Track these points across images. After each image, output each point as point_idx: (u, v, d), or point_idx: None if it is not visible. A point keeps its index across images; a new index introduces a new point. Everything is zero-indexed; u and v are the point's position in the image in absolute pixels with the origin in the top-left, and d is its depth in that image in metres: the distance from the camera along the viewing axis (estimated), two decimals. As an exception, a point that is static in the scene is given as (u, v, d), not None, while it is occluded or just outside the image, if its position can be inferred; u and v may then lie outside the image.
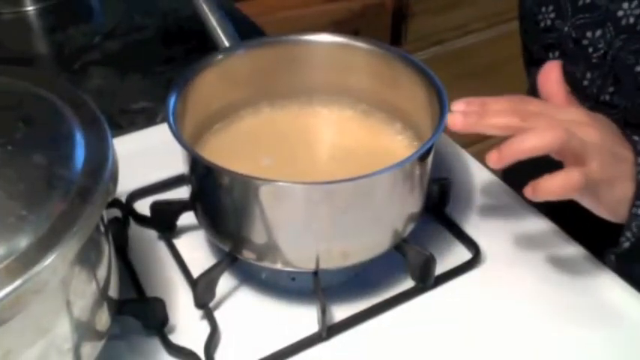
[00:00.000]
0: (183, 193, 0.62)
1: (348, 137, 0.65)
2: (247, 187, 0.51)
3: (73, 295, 0.43)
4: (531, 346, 0.55)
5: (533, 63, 0.73)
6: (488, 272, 0.61)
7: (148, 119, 0.79)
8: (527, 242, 0.64)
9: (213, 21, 0.64)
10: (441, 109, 0.55)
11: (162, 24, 0.98)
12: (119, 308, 0.52)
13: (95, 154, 0.45)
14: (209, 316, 0.57)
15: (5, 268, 0.37)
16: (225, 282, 0.59)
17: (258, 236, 0.54)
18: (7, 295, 0.36)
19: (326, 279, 0.57)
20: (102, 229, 0.48)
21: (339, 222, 0.53)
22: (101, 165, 0.44)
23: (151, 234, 0.65)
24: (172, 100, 0.56)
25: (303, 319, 0.57)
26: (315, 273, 0.56)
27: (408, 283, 0.60)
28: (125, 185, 0.64)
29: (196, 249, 0.63)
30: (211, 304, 0.58)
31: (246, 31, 0.72)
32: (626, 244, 0.56)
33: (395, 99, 0.64)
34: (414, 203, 0.57)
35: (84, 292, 0.45)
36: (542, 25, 0.69)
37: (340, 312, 0.58)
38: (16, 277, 0.37)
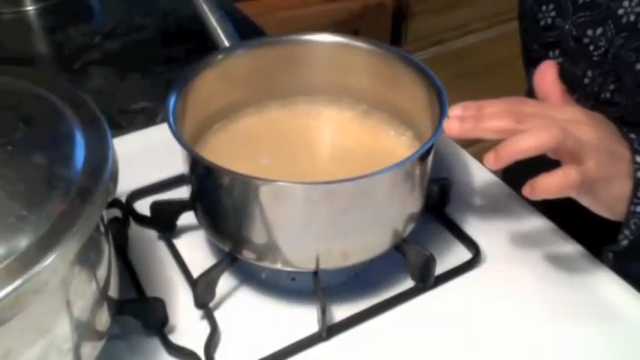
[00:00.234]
0: (183, 193, 0.62)
1: (348, 137, 0.65)
2: (247, 187, 0.51)
3: (73, 295, 0.43)
4: (531, 345, 0.55)
5: (532, 63, 0.73)
6: (488, 272, 0.61)
7: (147, 119, 0.79)
8: (527, 242, 0.64)
9: (213, 21, 0.64)
10: (441, 109, 0.56)
11: (162, 24, 0.98)
12: (119, 308, 0.52)
13: (95, 154, 0.45)
14: (209, 316, 0.57)
15: (5, 268, 0.37)
16: (225, 282, 0.59)
17: (258, 236, 0.54)
18: (7, 295, 0.36)
19: (326, 279, 0.57)
20: (102, 229, 0.48)
21: (339, 222, 0.53)
22: (101, 165, 0.44)
23: (151, 234, 0.65)
24: (172, 100, 0.56)
25: (303, 319, 0.57)
26: (315, 273, 0.56)
27: (408, 283, 0.60)
28: (125, 185, 0.64)
29: (196, 249, 0.63)
30: (211, 304, 0.58)
31: (246, 31, 0.72)
32: (624, 242, 0.56)
33: (395, 99, 0.64)
34: (414, 203, 0.57)
35: (84, 292, 0.45)
36: (542, 23, 0.69)
37: (340, 312, 0.58)
38: (16, 277, 0.37)
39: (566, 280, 0.60)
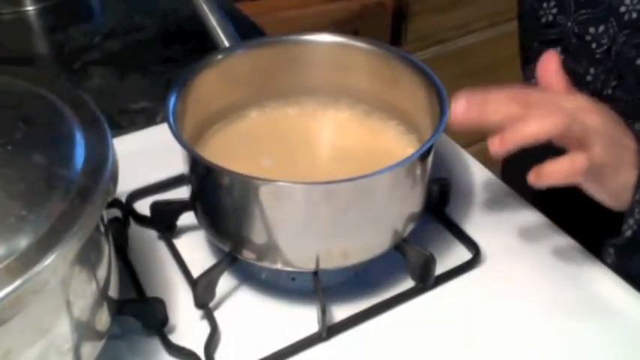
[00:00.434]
0: (183, 193, 0.62)
1: (348, 137, 0.65)
2: (247, 187, 0.51)
3: (73, 295, 0.43)
4: (531, 345, 0.55)
5: (530, 63, 0.73)
6: (488, 272, 0.61)
7: (147, 119, 0.79)
8: (527, 242, 0.64)
9: (213, 21, 0.64)
10: (441, 109, 0.56)
11: (162, 24, 0.98)
12: (119, 308, 0.52)
13: (95, 154, 0.45)
14: (209, 316, 0.57)
15: (5, 268, 0.37)
16: (225, 282, 0.59)
17: (258, 236, 0.54)
18: (7, 295, 0.36)
19: (326, 279, 0.57)
20: (102, 229, 0.48)
21: (339, 222, 0.53)
22: (101, 165, 0.44)
23: (151, 234, 0.65)
24: (172, 100, 0.56)
25: (303, 319, 0.57)
26: (315, 273, 0.56)
27: (408, 283, 0.60)
28: (125, 185, 0.64)
29: (196, 249, 0.63)
30: (211, 304, 0.58)
31: (246, 31, 0.72)
32: (628, 232, 0.55)
33: (395, 99, 0.64)
34: (414, 203, 0.57)
35: (84, 292, 0.45)
36: (543, 20, 0.69)
37: (340, 312, 0.58)
38: (16, 277, 0.37)
39: (567, 280, 0.60)
